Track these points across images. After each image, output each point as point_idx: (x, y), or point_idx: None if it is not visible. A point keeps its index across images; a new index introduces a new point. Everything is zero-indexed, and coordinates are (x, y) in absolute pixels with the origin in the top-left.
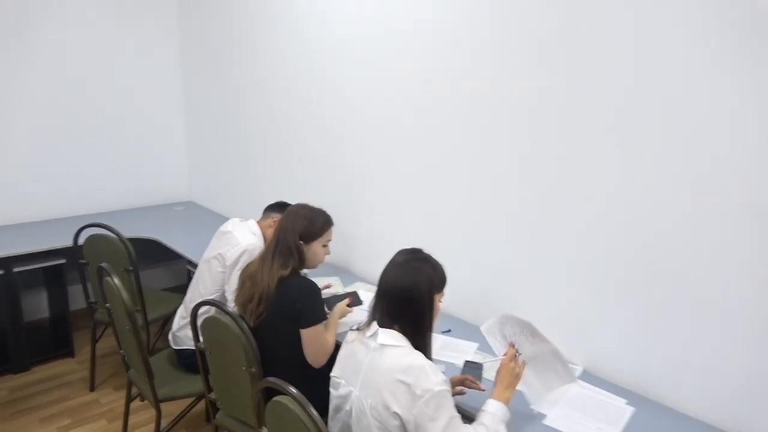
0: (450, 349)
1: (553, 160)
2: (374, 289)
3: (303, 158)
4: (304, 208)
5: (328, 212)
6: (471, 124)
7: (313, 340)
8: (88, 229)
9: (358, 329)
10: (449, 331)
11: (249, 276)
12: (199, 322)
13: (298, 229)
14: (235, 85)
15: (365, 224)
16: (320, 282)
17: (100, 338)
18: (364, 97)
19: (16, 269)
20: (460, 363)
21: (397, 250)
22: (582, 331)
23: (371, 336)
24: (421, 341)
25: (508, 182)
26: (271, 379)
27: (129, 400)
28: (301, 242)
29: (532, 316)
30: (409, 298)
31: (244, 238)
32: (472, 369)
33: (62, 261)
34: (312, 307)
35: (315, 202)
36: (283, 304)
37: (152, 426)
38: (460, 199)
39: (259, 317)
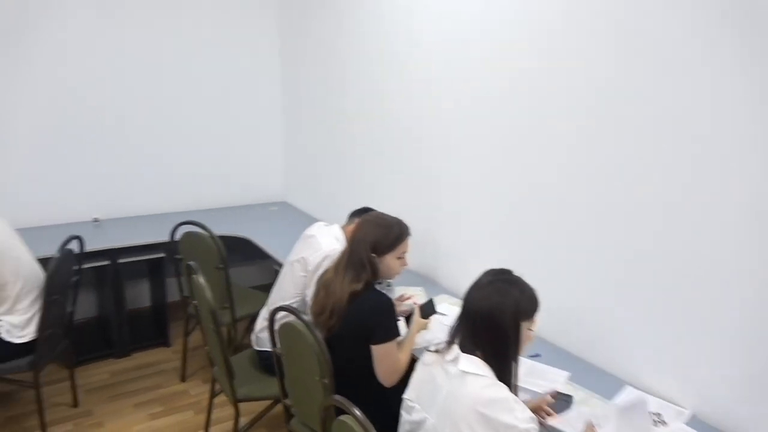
0: (537, 376)
1: (675, 185)
2: (460, 304)
3: (394, 163)
4: (378, 217)
5: (418, 218)
6: (586, 133)
7: (384, 358)
8: (184, 225)
9: (437, 351)
10: (538, 355)
11: (324, 284)
12: (277, 326)
13: (369, 240)
14: (332, 87)
15: (455, 234)
16: (401, 291)
17: (192, 331)
18: (458, 105)
19: (121, 260)
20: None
21: (487, 266)
22: (692, 368)
23: (452, 361)
24: (504, 371)
25: (621, 205)
26: (336, 397)
27: (212, 395)
28: (373, 255)
29: (632, 344)
30: (493, 323)
31: (326, 243)
32: (561, 401)
33: (162, 255)
34: (384, 323)
35: (404, 208)
36: (355, 320)
37: (233, 422)
38: (559, 216)
39: (330, 330)
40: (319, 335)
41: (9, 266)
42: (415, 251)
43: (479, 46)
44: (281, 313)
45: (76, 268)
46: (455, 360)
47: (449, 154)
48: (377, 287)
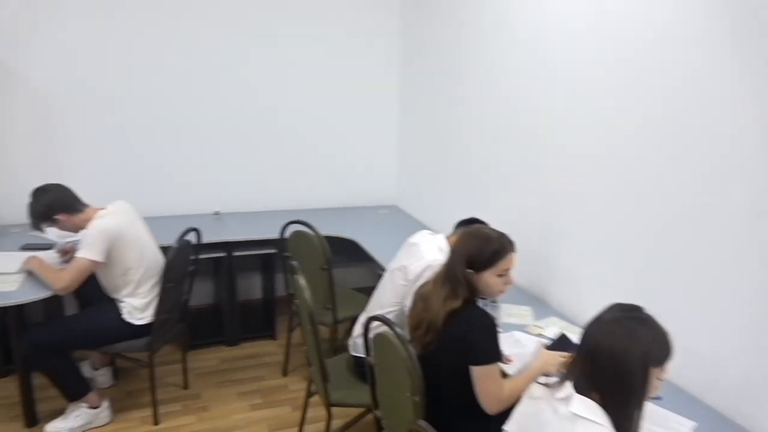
0: (657, 423)
1: None
2: (570, 327)
3: (510, 176)
4: (478, 230)
5: (530, 234)
6: (729, 162)
7: (484, 381)
8: (294, 224)
9: (547, 384)
10: (659, 398)
11: (421, 297)
12: (372, 335)
13: (465, 255)
14: (449, 93)
15: (571, 255)
16: (508, 311)
17: (296, 328)
18: (586, 122)
19: (235, 253)
20: None
21: (605, 292)
22: None
23: (563, 399)
24: (623, 420)
25: None
26: (421, 423)
27: (308, 394)
28: (469, 271)
29: None
30: (618, 366)
31: (429, 252)
32: None
33: (273, 251)
34: (484, 343)
35: (516, 223)
36: (452, 338)
37: (326, 424)
38: (696, 250)
39: (426, 347)
40: (412, 350)
41: (134, 252)
42: (524, 268)
43: (613, 66)
44: (376, 322)
45: (192, 257)
46: (567, 399)
47: (571, 173)
48: (480, 304)
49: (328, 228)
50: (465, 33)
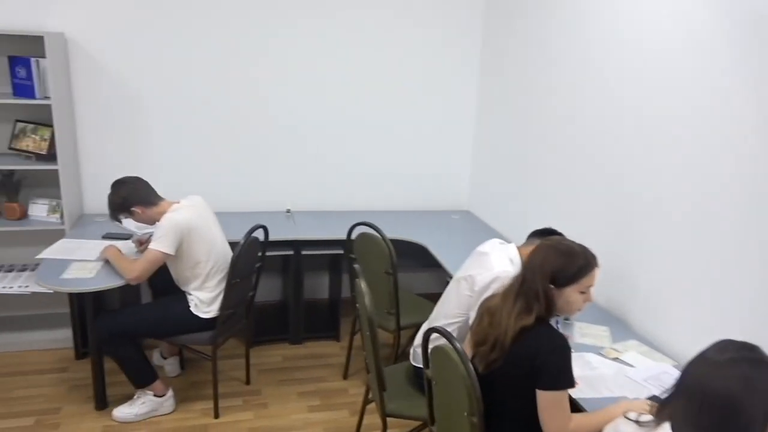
0: None
1: None
2: (652, 353)
3: (592, 187)
4: (560, 243)
5: (612, 249)
6: None
7: (550, 408)
8: (361, 226)
9: (637, 422)
10: None
11: (488, 311)
12: (431, 347)
13: (548, 270)
14: (529, 99)
15: (656, 274)
16: (583, 330)
17: (359, 331)
18: (679, 137)
19: (304, 252)
20: None
21: (695, 319)
22: None
23: None
24: None
25: None
26: None
27: (366, 401)
28: (551, 286)
29: None
30: (731, 416)
31: (498, 263)
32: None
33: (340, 251)
34: (555, 367)
35: (596, 236)
36: (521, 357)
37: None
38: None
39: (490, 365)
40: (472, 368)
41: (203, 247)
42: (603, 285)
43: (699, 76)
44: (437, 333)
45: (259, 254)
46: None
47: (657, 184)
48: (552, 322)
49: (397, 231)
50: (546, 41)
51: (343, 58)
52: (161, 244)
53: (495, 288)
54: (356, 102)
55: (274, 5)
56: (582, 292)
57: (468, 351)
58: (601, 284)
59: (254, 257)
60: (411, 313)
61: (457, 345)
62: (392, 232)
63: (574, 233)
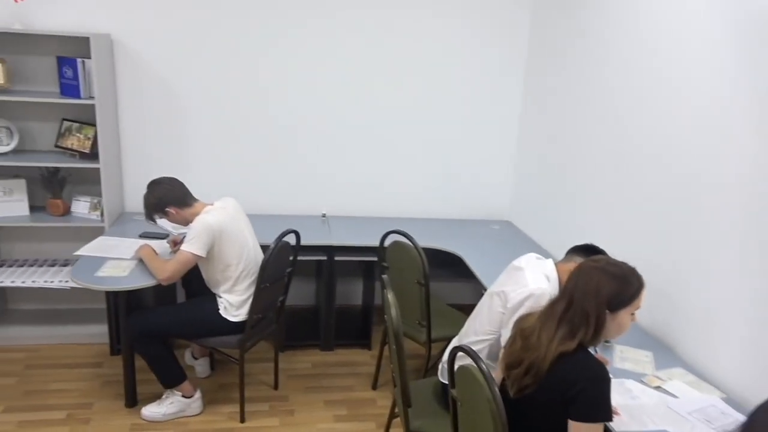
0: None
1: None
2: (699, 384)
3: (639, 201)
4: (610, 264)
5: (656, 265)
6: None
7: None
8: (393, 234)
9: None
10: None
11: (522, 333)
12: (458, 365)
13: (605, 293)
14: (574, 109)
15: (706, 294)
16: (624, 354)
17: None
18: (714, 138)
19: (337, 258)
20: None
21: (753, 341)
22: None
23: None
24: None
25: None
26: None
27: (392, 415)
28: (607, 311)
29: None
30: None
31: (534, 279)
32: None
33: (374, 259)
34: (592, 397)
35: (640, 251)
36: (557, 384)
37: None
38: None
39: (522, 390)
40: (498, 392)
41: (234, 249)
42: (647, 306)
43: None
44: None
45: (291, 259)
46: None
47: (709, 201)
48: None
49: (432, 240)
50: (598, 40)
51: (383, 61)
52: (192, 245)
53: (529, 306)
54: (396, 106)
55: (316, 5)
56: (632, 313)
57: (499, 373)
58: (644, 305)
59: (285, 262)
60: (443, 325)
61: (483, 366)
62: (427, 241)
63: (619, 248)
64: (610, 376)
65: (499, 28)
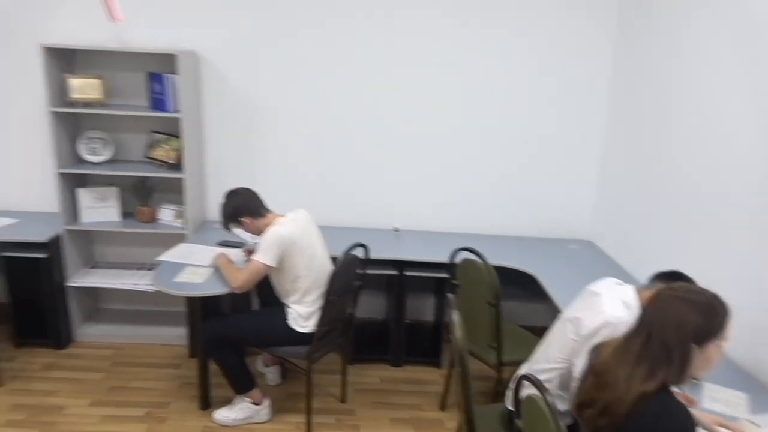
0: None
1: None
2: None
3: (730, 221)
4: (690, 292)
5: (749, 290)
6: None
7: None
8: (464, 251)
9: None
10: None
11: (595, 369)
12: (524, 394)
13: (689, 324)
14: (667, 124)
15: None
16: (714, 393)
17: None
18: None
19: (407, 272)
20: None
21: None
22: None
23: None
24: None
25: None
26: None
27: None
28: (694, 346)
29: None
30: None
31: (611, 307)
32: None
33: (445, 275)
34: None
35: (735, 279)
36: (636, 428)
37: None
38: None
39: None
40: (564, 428)
41: (304, 261)
42: (743, 341)
43: None
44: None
45: (359, 272)
46: None
47: None
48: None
49: (506, 258)
50: (693, 47)
51: (465, 77)
52: (264, 256)
53: (604, 335)
54: (471, 120)
55: (390, 18)
56: (720, 346)
57: (572, 410)
58: (740, 340)
59: (353, 275)
60: (515, 348)
61: (549, 398)
62: (501, 259)
63: (713, 275)
64: (696, 422)
65: (585, 40)
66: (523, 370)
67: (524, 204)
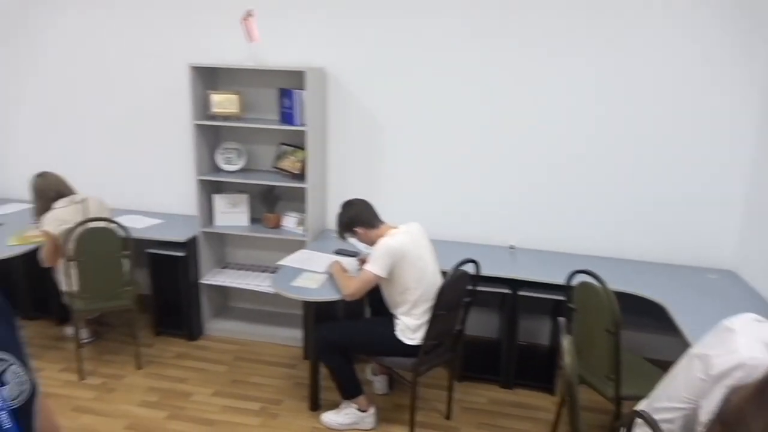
0: None
1: None
2: None
3: None
4: None
5: None
6: None
7: None
8: (581, 274)
9: None
10: None
11: (724, 417)
12: (641, 430)
13: None
14: None
15: None
16: None
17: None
18: None
19: (521, 292)
20: None
21: None
22: None
23: None
24: None
25: None
26: None
27: None
28: None
29: None
30: None
31: (747, 346)
32: None
33: (562, 298)
34: None
35: None
36: None
37: None
38: None
39: None
40: None
41: (413, 273)
42: None
43: None
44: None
45: (469, 288)
46: None
47: None
48: None
49: (630, 284)
50: None
51: (586, 91)
52: (375, 266)
53: (738, 377)
54: (598, 135)
55: (521, 36)
56: None
57: None
58: None
59: (462, 291)
60: (636, 382)
61: None
62: (624, 284)
63: None
64: None
65: (738, 42)
66: (642, 405)
67: (651, 226)
